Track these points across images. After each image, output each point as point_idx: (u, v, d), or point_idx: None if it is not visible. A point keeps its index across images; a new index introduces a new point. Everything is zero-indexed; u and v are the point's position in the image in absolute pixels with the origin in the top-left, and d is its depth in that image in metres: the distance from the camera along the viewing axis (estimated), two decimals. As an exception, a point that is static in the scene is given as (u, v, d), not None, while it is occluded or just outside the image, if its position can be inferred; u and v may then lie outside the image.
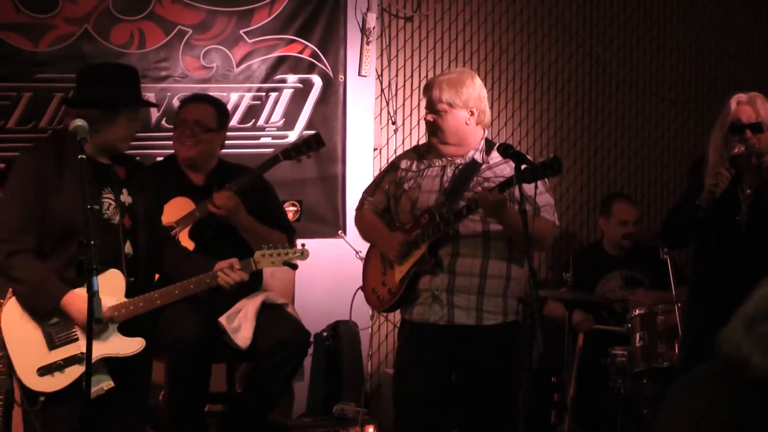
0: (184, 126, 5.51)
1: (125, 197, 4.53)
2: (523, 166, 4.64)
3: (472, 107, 4.98)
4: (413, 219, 5.02)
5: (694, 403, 2.84)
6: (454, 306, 4.93)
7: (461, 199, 4.92)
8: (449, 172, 5.02)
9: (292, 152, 5.58)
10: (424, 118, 5.09)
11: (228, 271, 4.68)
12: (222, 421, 5.65)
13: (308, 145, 5.61)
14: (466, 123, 4.99)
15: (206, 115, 5.54)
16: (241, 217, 5.39)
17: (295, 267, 4.97)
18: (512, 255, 4.98)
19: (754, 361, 2.76)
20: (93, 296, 3.90)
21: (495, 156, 4.98)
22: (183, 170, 5.56)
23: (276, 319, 5.46)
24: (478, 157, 5.02)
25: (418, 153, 5.20)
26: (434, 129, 5.02)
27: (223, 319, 5.37)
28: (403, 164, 5.15)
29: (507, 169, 4.83)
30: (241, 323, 5.37)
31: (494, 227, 4.92)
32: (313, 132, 6.14)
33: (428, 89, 5.05)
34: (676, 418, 2.86)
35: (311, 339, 5.83)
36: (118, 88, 4.52)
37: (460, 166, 5.01)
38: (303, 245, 4.93)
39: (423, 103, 6.90)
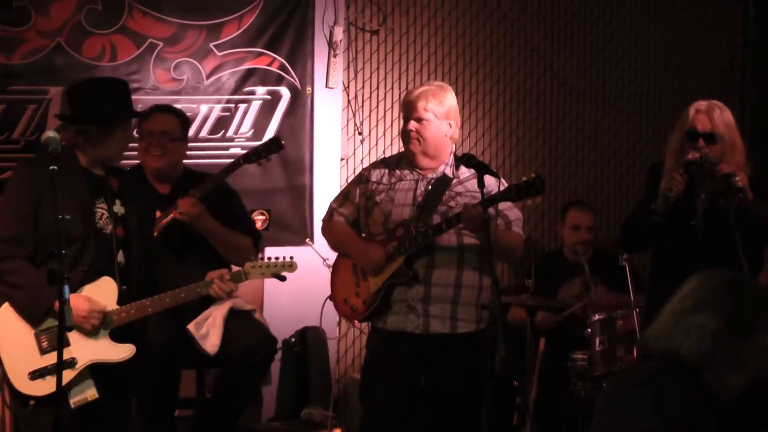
0: (152, 137, 5.55)
1: (118, 208, 4.62)
2: (499, 182, 4.70)
3: (451, 120, 5.04)
4: (386, 231, 5.03)
5: (637, 410, 2.92)
6: (430, 315, 4.95)
7: (434, 213, 4.95)
8: (421, 186, 5.03)
9: (253, 156, 5.58)
10: (406, 129, 5.04)
11: (219, 282, 4.76)
12: (192, 425, 5.70)
13: (269, 149, 5.60)
14: (445, 135, 5.04)
15: (172, 125, 5.61)
16: (206, 222, 5.42)
17: (283, 279, 4.97)
18: (484, 266, 5.00)
19: (686, 348, 2.89)
20: (63, 304, 3.95)
21: (464, 171, 5.01)
22: (149, 180, 5.61)
23: (243, 325, 5.52)
24: (449, 171, 5.05)
25: (387, 166, 5.19)
26: (416, 139, 5.01)
27: (191, 326, 5.41)
28: (374, 177, 5.14)
29: (477, 184, 4.80)
30: (209, 330, 5.42)
31: (468, 240, 4.95)
32: (274, 136, 6.21)
33: (411, 99, 5.03)
34: (623, 427, 2.94)
35: (279, 345, 5.87)
36: (114, 104, 4.63)
37: (432, 181, 5.03)
38: (291, 257, 4.97)
39: (389, 114, 7.10)
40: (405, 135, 5.08)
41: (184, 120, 5.74)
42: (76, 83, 4.91)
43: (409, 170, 5.09)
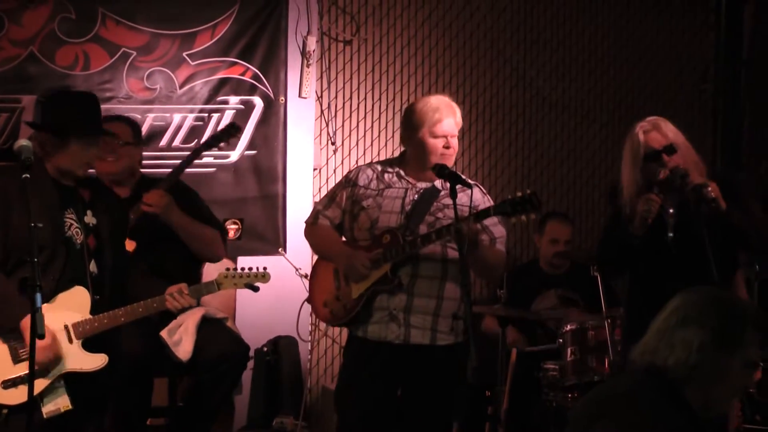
0: (104, 144, 5.51)
1: (89, 218, 4.59)
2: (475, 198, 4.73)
3: None
4: (371, 238, 4.96)
5: (615, 424, 2.95)
6: (411, 326, 4.90)
7: (421, 223, 4.91)
8: (411, 195, 4.97)
9: (213, 141, 5.76)
10: (449, 146, 4.91)
11: (177, 296, 4.73)
12: (164, 434, 5.71)
13: (227, 133, 5.77)
14: None
15: (122, 131, 5.60)
16: (175, 214, 5.44)
17: (256, 289, 4.93)
18: (463, 278, 4.90)
19: (672, 362, 2.92)
20: (35, 312, 3.93)
21: None
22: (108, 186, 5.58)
23: (216, 332, 5.53)
24: (438, 183, 4.98)
25: (376, 171, 5.10)
26: (450, 155, 4.96)
27: (164, 333, 5.43)
28: (362, 181, 5.06)
29: (464, 197, 4.78)
30: (182, 337, 5.43)
31: (452, 252, 4.89)
32: (231, 121, 6.30)
33: (451, 112, 4.97)
34: None
35: (251, 353, 5.89)
36: (70, 115, 4.56)
37: (421, 191, 4.98)
38: (265, 268, 4.95)
39: (362, 123, 7.10)
40: (445, 151, 4.94)
41: (134, 126, 5.76)
42: (45, 91, 4.88)
43: (398, 178, 5.04)
